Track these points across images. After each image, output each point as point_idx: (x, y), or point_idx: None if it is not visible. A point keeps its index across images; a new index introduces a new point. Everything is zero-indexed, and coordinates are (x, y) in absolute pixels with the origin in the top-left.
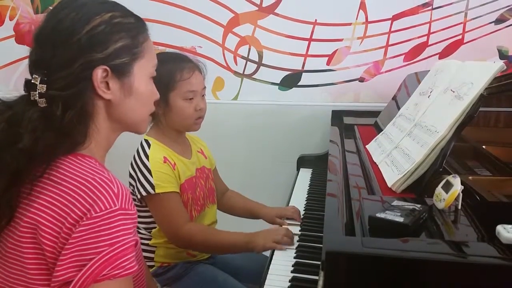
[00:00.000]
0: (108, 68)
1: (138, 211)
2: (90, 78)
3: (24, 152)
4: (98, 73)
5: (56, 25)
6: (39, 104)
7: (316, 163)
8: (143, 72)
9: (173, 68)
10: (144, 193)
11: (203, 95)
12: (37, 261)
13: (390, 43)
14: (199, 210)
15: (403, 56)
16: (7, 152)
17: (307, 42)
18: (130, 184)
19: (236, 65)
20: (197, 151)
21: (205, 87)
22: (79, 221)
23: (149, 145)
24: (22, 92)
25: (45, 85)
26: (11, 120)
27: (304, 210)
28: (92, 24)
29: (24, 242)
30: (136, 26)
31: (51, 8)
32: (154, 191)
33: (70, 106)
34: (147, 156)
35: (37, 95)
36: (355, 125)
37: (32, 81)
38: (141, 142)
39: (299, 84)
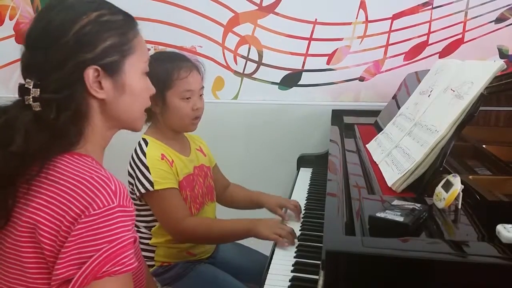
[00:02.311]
0: (99, 68)
1: (138, 209)
2: (82, 79)
3: (16, 155)
4: (90, 74)
5: (46, 27)
6: (33, 108)
7: (316, 162)
8: (134, 69)
9: (171, 67)
10: (143, 191)
11: (200, 95)
12: (36, 260)
13: (390, 42)
14: (198, 208)
15: (403, 56)
16: None
17: (307, 41)
18: (130, 183)
19: (236, 64)
20: (196, 149)
21: (203, 87)
22: (77, 219)
23: (146, 144)
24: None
25: (39, 89)
26: (5, 124)
27: (304, 210)
28: (80, 24)
29: (22, 241)
30: (124, 23)
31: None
32: (153, 188)
33: (64, 108)
34: (144, 154)
35: (31, 99)
36: (355, 125)
37: (25, 86)
38: (139, 141)
39: (299, 83)
